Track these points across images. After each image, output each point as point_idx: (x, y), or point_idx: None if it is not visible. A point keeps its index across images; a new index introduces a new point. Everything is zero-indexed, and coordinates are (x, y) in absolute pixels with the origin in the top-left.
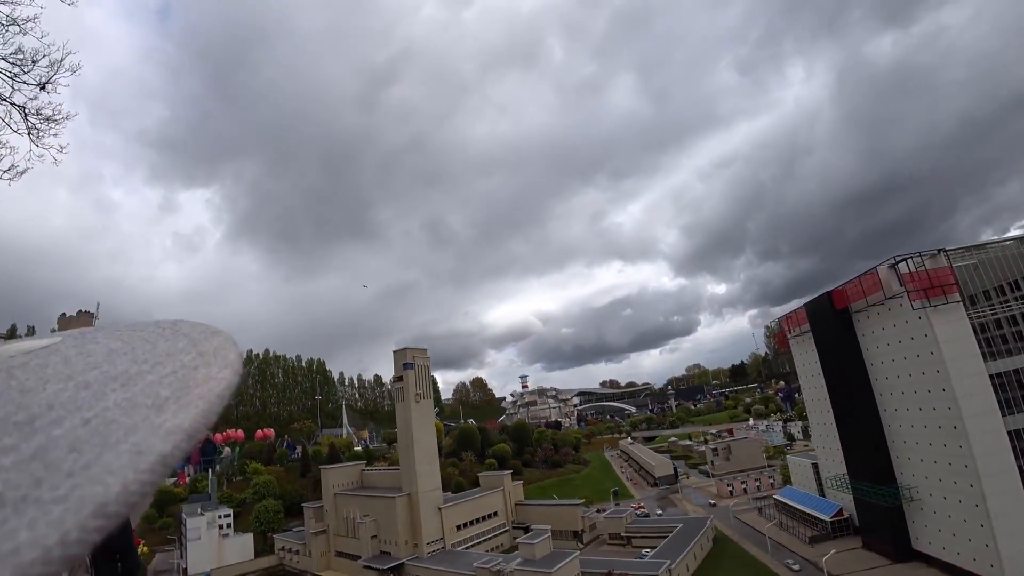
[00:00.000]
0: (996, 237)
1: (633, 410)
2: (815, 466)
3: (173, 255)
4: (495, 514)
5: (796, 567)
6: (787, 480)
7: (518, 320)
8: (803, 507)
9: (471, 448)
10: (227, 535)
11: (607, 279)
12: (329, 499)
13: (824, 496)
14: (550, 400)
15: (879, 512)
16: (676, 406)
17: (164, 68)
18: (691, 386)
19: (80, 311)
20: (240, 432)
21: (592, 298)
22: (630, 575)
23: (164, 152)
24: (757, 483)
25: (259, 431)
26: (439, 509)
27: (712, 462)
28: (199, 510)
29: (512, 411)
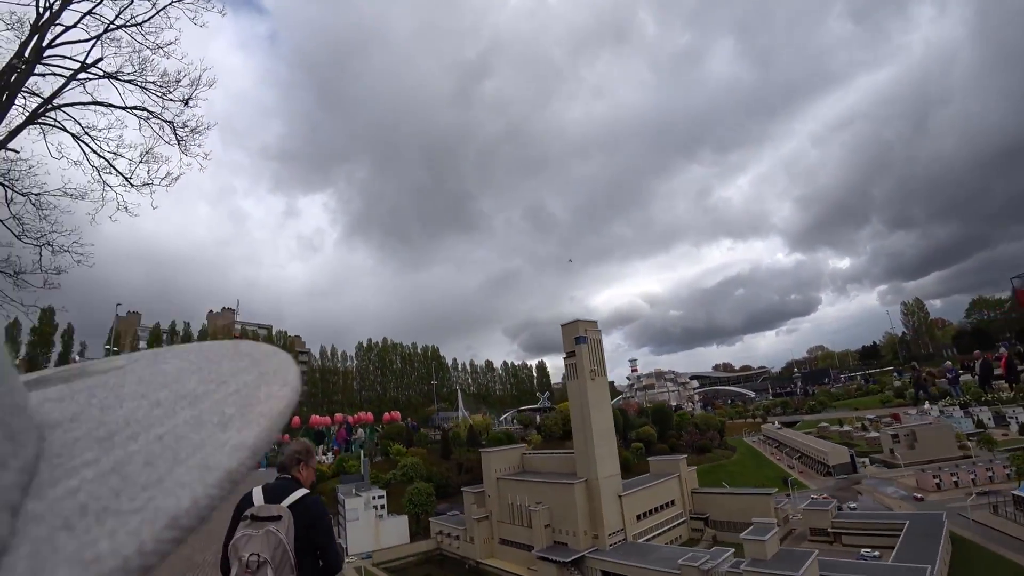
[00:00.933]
0: None
1: (752, 394)
2: None
3: (297, 255)
4: (672, 503)
5: None
6: (1020, 473)
7: (624, 303)
8: None
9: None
10: (382, 516)
11: (716, 258)
12: (491, 484)
13: None
14: (668, 383)
15: None
16: (802, 390)
17: (277, 87)
18: (815, 369)
19: (223, 308)
20: (370, 415)
21: (701, 278)
22: None
23: (284, 163)
24: (972, 475)
25: (386, 414)
26: (619, 497)
27: (892, 450)
28: (353, 490)
29: (629, 394)
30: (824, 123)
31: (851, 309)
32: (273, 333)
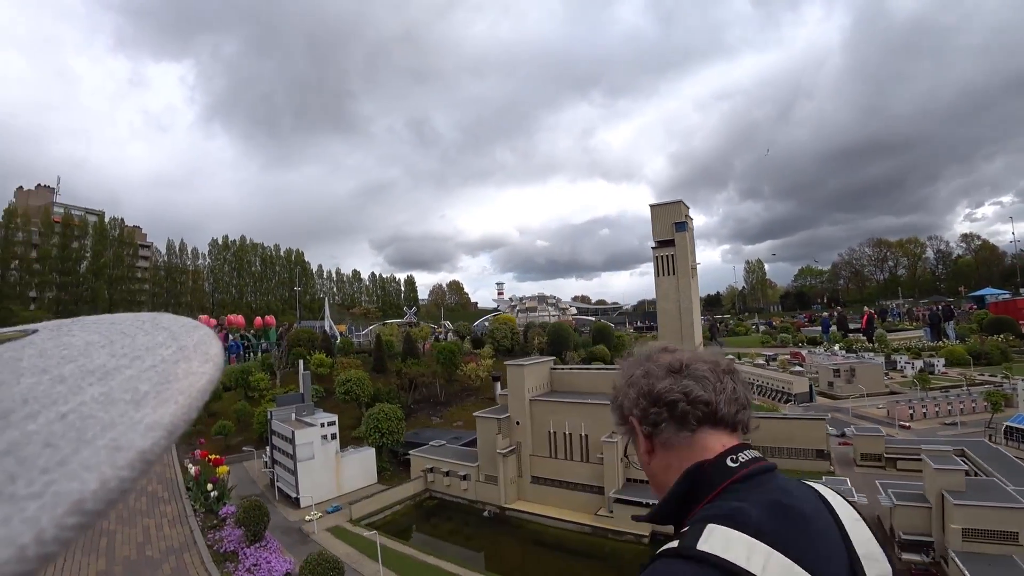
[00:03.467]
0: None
1: (613, 326)
2: None
3: (142, 134)
4: None
5: None
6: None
7: (494, 228)
8: None
9: (564, 348)
10: (342, 453)
11: (588, 197)
12: (521, 407)
13: None
14: (550, 308)
15: None
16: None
17: None
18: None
19: (39, 185)
20: (240, 318)
21: (571, 214)
22: None
23: (132, 18)
24: (954, 406)
25: (258, 319)
26: None
27: (831, 383)
28: (293, 416)
29: (510, 313)
30: (709, 90)
31: (697, 261)
32: (106, 221)
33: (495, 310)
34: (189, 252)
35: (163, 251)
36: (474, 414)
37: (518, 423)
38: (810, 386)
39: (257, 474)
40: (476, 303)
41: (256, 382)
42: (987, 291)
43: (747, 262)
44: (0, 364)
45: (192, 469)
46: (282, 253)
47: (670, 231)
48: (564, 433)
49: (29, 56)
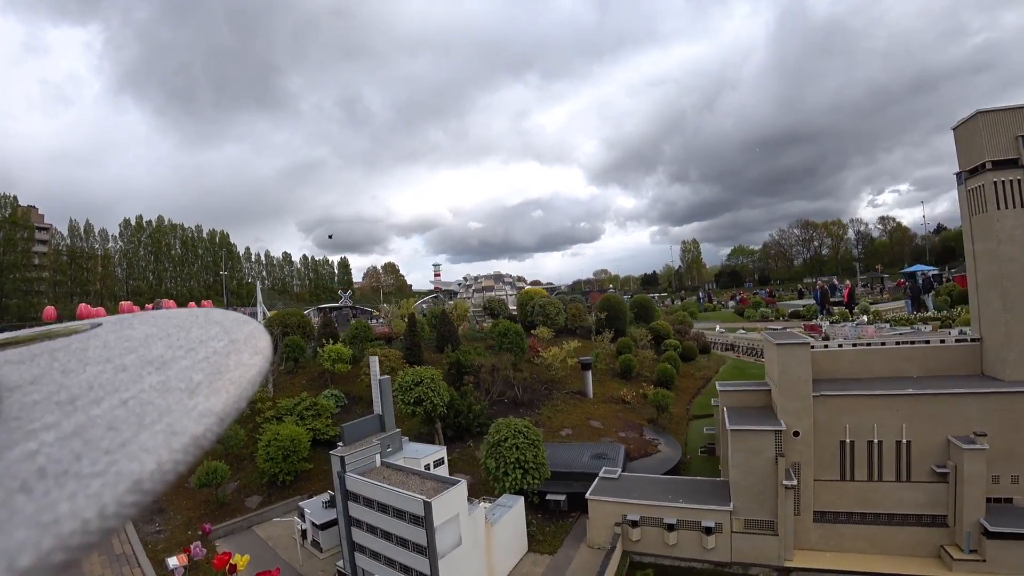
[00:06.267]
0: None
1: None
2: None
3: (39, 106)
4: None
5: None
6: None
7: (427, 210)
8: None
9: (616, 324)
10: (493, 518)
11: (521, 179)
12: (801, 407)
13: None
14: (507, 287)
15: None
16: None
17: None
18: (603, 288)
19: None
20: (171, 303)
21: (504, 196)
22: None
23: None
24: None
25: (191, 304)
26: None
27: None
28: (378, 459)
29: (466, 295)
30: (641, 77)
31: (628, 242)
32: None
33: (432, 292)
34: (96, 234)
35: (66, 233)
36: (730, 427)
37: (796, 433)
38: None
39: (284, 547)
40: (411, 285)
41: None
42: (917, 267)
43: (683, 242)
44: (69, 354)
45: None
46: (205, 235)
47: (1014, 146)
48: (872, 442)
49: None
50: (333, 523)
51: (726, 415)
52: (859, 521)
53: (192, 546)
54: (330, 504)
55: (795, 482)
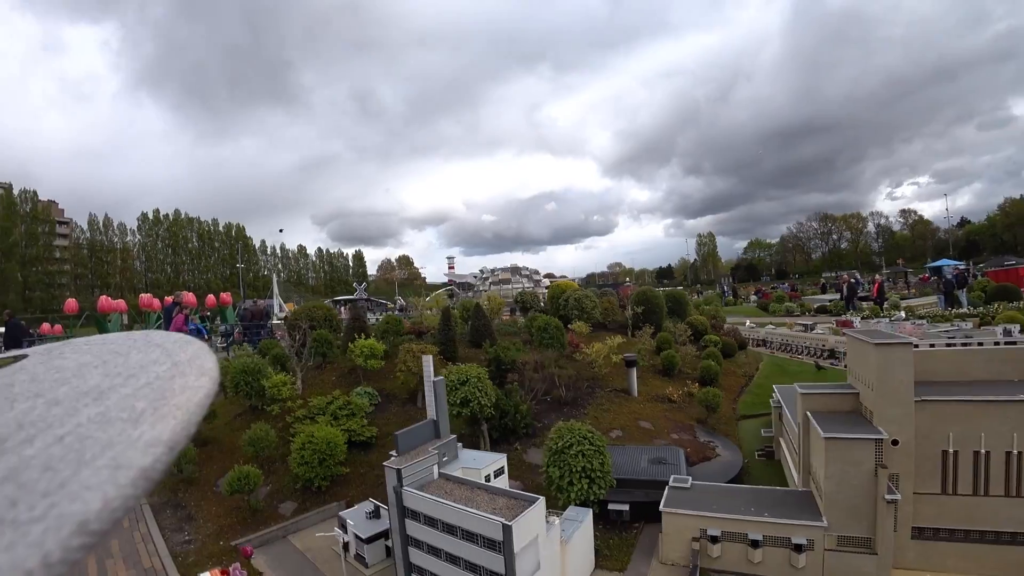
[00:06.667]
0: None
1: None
2: None
3: (59, 104)
4: None
5: None
6: None
7: (440, 202)
8: None
9: (652, 319)
10: (563, 532)
11: (535, 171)
12: (902, 414)
13: None
14: (524, 280)
15: None
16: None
17: None
18: (616, 282)
19: None
20: (191, 296)
21: (518, 189)
22: None
23: None
24: None
25: (211, 297)
26: None
27: None
28: (436, 469)
29: (483, 288)
30: (655, 68)
31: (642, 235)
32: (15, 193)
33: (447, 284)
34: (115, 228)
35: (85, 227)
36: (824, 435)
37: (895, 442)
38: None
39: (324, 559)
40: (425, 278)
41: (275, 390)
42: (943, 262)
43: (698, 235)
44: None
45: None
46: (221, 228)
47: None
48: (978, 452)
49: None
50: (379, 536)
51: (814, 421)
52: (962, 539)
53: (232, 568)
54: (374, 515)
55: (898, 496)
